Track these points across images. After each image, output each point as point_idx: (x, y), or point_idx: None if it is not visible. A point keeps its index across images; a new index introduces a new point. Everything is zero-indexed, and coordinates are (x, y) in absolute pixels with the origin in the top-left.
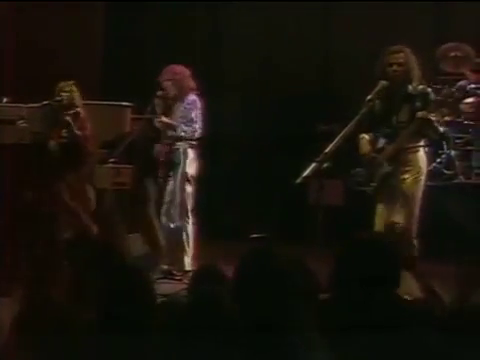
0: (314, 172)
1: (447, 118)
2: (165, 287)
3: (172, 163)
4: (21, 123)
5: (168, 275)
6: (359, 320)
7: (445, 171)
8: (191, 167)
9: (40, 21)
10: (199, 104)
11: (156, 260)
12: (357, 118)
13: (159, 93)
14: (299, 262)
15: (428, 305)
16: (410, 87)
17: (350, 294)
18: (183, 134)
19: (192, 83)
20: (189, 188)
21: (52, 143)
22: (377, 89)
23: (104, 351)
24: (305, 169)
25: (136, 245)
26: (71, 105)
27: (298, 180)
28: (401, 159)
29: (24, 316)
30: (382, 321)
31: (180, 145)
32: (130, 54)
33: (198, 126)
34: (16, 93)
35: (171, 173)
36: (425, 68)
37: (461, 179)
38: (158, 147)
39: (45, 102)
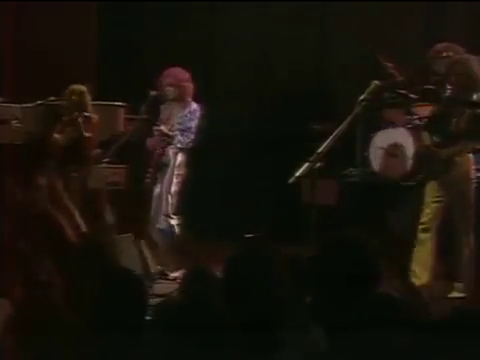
0: (307, 172)
1: None
2: (158, 288)
3: (162, 165)
4: (15, 123)
5: (162, 276)
6: (339, 319)
7: None
8: (180, 170)
9: (34, 21)
10: (199, 114)
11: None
12: (350, 118)
13: (153, 93)
14: (291, 261)
15: (411, 304)
16: (475, 96)
17: (329, 294)
18: (179, 145)
19: (192, 89)
20: (175, 191)
21: (58, 137)
22: (370, 89)
23: (97, 352)
24: (298, 169)
25: (128, 245)
26: (81, 108)
27: (291, 180)
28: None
29: (18, 317)
30: (363, 320)
31: (172, 148)
32: (124, 54)
33: (194, 136)
34: (10, 93)
35: (159, 175)
36: (417, 69)
37: None
38: (150, 141)
39: (39, 102)
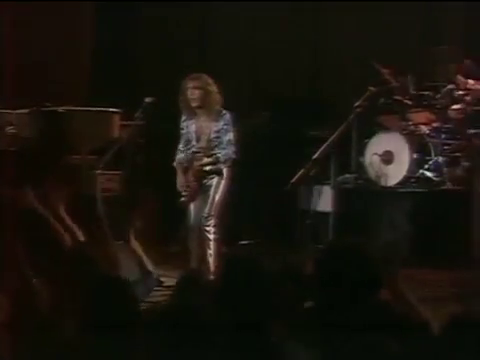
0: (303, 178)
1: (435, 124)
2: (155, 295)
3: (204, 186)
4: (10, 129)
5: (158, 284)
6: (340, 325)
7: (433, 177)
8: (225, 185)
9: (28, 23)
10: (232, 122)
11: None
12: (345, 124)
13: (149, 99)
14: (285, 267)
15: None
16: None
17: (331, 300)
18: (222, 164)
19: (219, 96)
20: (219, 204)
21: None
22: (366, 96)
23: (87, 357)
24: (294, 175)
25: (123, 253)
26: None
27: (287, 186)
28: None
29: (9, 319)
30: (362, 326)
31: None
32: (119, 57)
33: (234, 147)
34: (5, 97)
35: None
36: (413, 71)
37: (449, 186)
38: (183, 160)
39: (34, 108)
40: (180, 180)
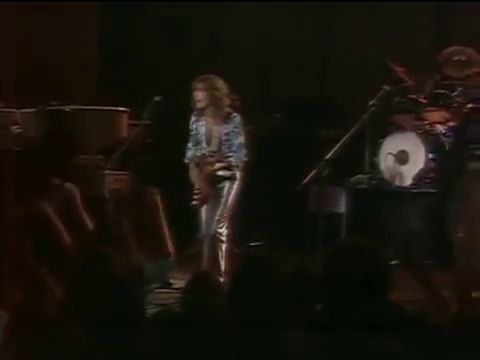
0: (314, 179)
1: (450, 123)
2: (164, 296)
3: (213, 193)
4: (15, 128)
5: (166, 285)
6: (349, 326)
7: None
8: (238, 188)
9: (32, 22)
10: (243, 125)
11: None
12: (359, 123)
13: (157, 98)
14: (296, 269)
15: (422, 310)
16: None
17: (340, 301)
18: (234, 168)
19: (226, 100)
20: (231, 206)
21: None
22: (380, 94)
23: None
24: (305, 176)
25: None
26: None
27: (298, 187)
28: None
29: (15, 326)
30: (371, 327)
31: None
32: (126, 56)
33: (245, 150)
34: (10, 96)
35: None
36: (427, 71)
37: None
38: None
39: (40, 107)
40: (193, 176)
